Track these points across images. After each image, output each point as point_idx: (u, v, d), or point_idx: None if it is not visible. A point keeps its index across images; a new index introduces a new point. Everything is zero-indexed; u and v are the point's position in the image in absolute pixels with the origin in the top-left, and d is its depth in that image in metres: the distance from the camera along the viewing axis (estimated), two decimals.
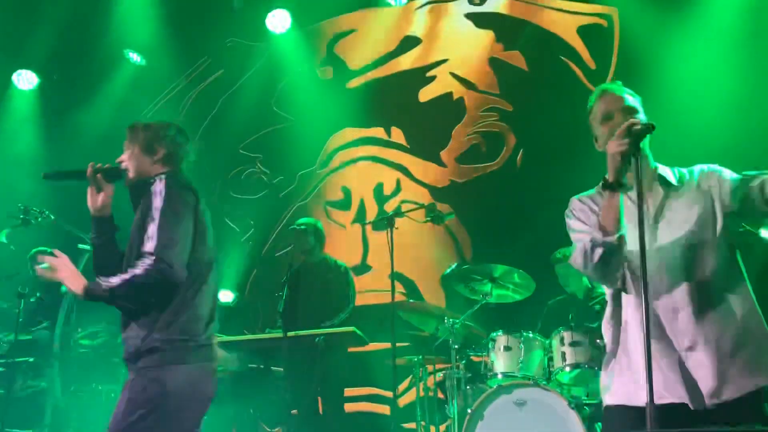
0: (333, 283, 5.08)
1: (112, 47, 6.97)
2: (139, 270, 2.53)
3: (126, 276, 2.55)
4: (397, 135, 6.78)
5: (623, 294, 2.33)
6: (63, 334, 4.73)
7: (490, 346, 4.35)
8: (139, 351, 2.60)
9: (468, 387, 4.42)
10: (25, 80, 6.77)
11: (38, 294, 4.92)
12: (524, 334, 4.29)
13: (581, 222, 2.40)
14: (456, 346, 4.43)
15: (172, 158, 2.86)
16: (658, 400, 1.97)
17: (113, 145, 6.91)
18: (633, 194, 2.24)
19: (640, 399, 2.01)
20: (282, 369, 4.75)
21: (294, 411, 4.64)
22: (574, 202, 2.47)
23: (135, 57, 7.03)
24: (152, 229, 2.58)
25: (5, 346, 4.87)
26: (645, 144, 2.30)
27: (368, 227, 6.49)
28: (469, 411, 4.02)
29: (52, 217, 4.59)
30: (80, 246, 4.75)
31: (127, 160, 2.85)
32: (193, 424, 2.71)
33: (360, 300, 5.33)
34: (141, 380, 2.58)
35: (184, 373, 2.60)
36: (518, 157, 6.26)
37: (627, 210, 2.24)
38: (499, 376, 4.24)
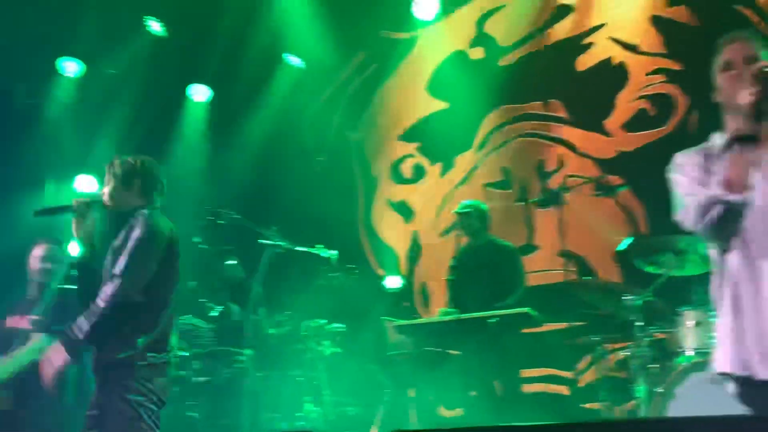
0: (501, 264, 5.02)
1: (272, 52, 7.35)
2: (101, 303, 2.95)
3: (93, 319, 2.95)
4: (556, 108, 6.56)
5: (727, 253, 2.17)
6: (253, 322, 5.09)
7: (677, 322, 4.10)
8: (114, 364, 2.97)
9: (654, 366, 4.20)
10: (200, 93, 7.33)
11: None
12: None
13: (691, 177, 2.25)
14: (639, 324, 4.21)
15: (148, 190, 3.23)
16: None
17: (278, 148, 7.35)
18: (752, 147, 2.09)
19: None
20: (458, 352, 4.79)
21: (473, 393, 4.66)
22: (680, 158, 2.35)
23: (295, 60, 7.36)
24: (125, 255, 3.00)
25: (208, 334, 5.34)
26: None
27: (531, 206, 6.35)
28: (658, 390, 3.82)
29: (238, 216, 4.94)
30: (260, 241, 5.08)
31: (106, 192, 3.22)
32: None
33: (529, 281, 5.23)
34: (117, 391, 2.94)
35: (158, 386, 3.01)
36: (691, 120, 5.82)
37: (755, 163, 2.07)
38: (690, 353, 3.98)
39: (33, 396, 3.95)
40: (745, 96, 2.07)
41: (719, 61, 2.29)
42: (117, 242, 3.10)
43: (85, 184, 6.45)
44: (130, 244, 3.03)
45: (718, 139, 2.30)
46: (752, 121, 2.09)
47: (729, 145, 2.17)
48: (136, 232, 3.04)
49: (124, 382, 2.95)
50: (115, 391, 2.95)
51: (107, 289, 2.97)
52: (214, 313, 5.63)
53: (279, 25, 7.11)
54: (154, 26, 6.88)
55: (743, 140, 2.11)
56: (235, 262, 5.82)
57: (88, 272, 3.22)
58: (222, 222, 4.82)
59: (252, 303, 4.94)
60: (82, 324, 2.98)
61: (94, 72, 7.00)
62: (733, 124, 2.17)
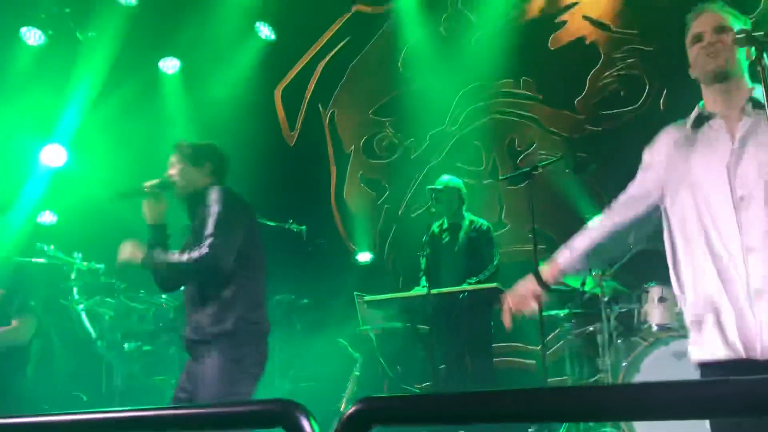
0: (476, 242, 5.06)
1: (243, 23, 7.21)
2: (195, 253, 2.94)
3: (179, 263, 2.99)
4: (528, 86, 6.59)
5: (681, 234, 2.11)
6: None
7: (643, 298, 4.19)
8: (212, 334, 2.96)
9: (620, 341, 4.30)
10: (170, 66, 7.18)
11: None
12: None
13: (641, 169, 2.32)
14: (605, 299, 4.30)
15: (218, 170, 3.27)
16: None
17: (248, 120, 7.22)
18: (717, 121, 2.09)
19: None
20: (427, 327, 4.83)
21: (442, 366, 4.71)
22: (658, 136, 2.34)
23: (266, 31, 7.24)
24: (210, 222, 2.98)
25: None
26: (744, 64, 2.09)
27: (502, 183, 6.38)
28: (624, 364, 3.91)
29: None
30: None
31: (176, 174, 3.23)
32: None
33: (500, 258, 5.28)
34: (219, 358, 2.93)
35: (254, 353, 3.00)
36: (662, 100, 5.90)
37: (708, 139, 2.09)
38: (655, 329, 4.08)
39: None
40: (713, 63, 2.06)
41: (689, 36, 2.20)
42: (196, 222, 3.09)
43: (51, 152, 6.28)
44: (213, 212, 3.01)
45: (693, 114, 2.23)
46: (724, 93, 2.08)
47: (696, 123, 2.14)
48: (216, 206, 3.03)
49: (226, 352, 2.94)
50: (216, 361, 2.94)
51: (195, 252, 2.95)
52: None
53: None
54: None
55: (708, 117, 2.11)
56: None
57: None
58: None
59: None
60: (180, 256, 3.00)
61: (60, 41, 6.79)
62: (710, 97, 2.14)
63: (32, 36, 6.62)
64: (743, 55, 2.09)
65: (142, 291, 5.41)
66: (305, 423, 1.07)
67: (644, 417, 0.89)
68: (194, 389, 2.98)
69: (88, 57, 6.68)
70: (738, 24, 2.13)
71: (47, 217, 6.50)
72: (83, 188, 6.19)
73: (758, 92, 2.03)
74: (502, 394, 0.98)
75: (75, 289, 5.11)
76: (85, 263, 5.10)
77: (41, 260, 4.88)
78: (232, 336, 2.95)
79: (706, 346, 2.03)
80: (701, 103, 2.17)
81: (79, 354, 5.17)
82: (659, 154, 2.25)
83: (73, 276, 5.08)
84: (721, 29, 2.11)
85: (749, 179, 1.97)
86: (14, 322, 3.91)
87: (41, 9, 6.56)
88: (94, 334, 5.06)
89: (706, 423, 2.20)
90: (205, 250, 2.91)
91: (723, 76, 2.08)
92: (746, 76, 2.12)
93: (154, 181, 3.23)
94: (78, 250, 5.30)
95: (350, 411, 1.06)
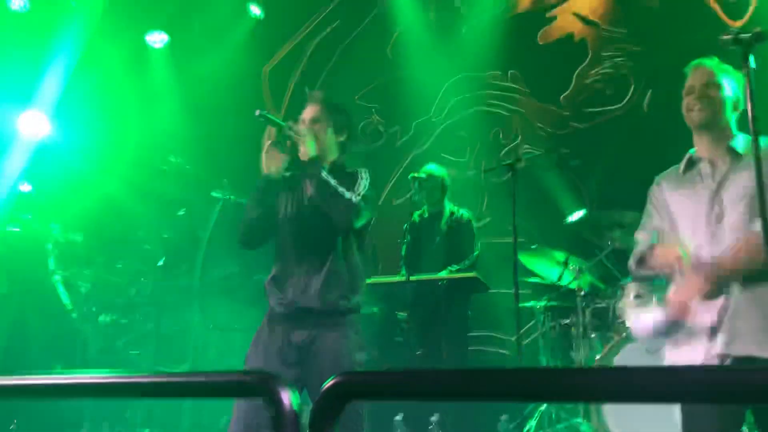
0: (457, 231, 5.09)
1: (234, 1, 7.16)
2: (355, 197, 2.78)
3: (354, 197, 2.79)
4: (516, 79, 6.62)
5: None
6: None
7: (618, 293, 4.26)
8: (342, 309, 2.81)
9: (594, 335, 4.37)
10: (158, 40, 7.11)
11: None
12: (655, 282, 4.14)
13: (648, 214, 2.63)
14: (582, 293, 4.37)
15: (348, 145, 3.04)
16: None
17: (234, 99, 7.15)
18: (703, 164, 2.42)
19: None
20: (405, 313, 4.87)
21: (418, 352, 4.76)
22: (656, 182, 2.63)
23: (255, 10, 7.20)
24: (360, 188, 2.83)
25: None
26: (729, 116, 2.40)
27: (485, 175, 6.40)
28: (597, 357, 3.98)
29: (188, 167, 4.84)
30: (213, 193, 5.03)
31: (319, 132, 2.91)
32: None
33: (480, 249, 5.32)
34: (349, 331, 2.81)
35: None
36: (646, 101, 5.97)
37: (693, 180, 2.43)
38: (629, 324, 4.14)
39: None
40: (700, 114, 2.37)
41: (685, 86, 2.48)
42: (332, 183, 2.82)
43: (32, 121, 6.19)
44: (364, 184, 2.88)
45: (686, 157, 2.53)
46: (709, 140, 2.40)
47: (687, 167, 2.46)
48: (365, 180, 2.89)
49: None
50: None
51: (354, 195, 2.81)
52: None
53: None
54: None
55: (697, 162, 2.43)
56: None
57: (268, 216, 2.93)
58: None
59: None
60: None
61: (44, 7, 6.69)
62: (698, 143, 2.46)
63: (16, 1, 6.52)
64: (730, 108, 2.40)
65: (119, 264, 5.40)
66: (284, 395, 1.09)
67: (620, 399, 0.93)
68: (310, 366, 2.72)
69: (72, 25, 6.59)
70: (729, 79, 2.42)
71: (24, 187, 6.43)
72: (64, 158, 6.13)
73: (737, 141, 2.39)
74: (478, 372, 1.01)
75: (51, 260, 5.08)
76: (62, 234, 5.07)
77: (16, 229, 4.84)
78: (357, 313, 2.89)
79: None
80: (692, 149, 2.49)
81: (55, 325, 5.15)
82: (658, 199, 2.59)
83: (49, 246, 5.04)
84: (711, 85, 2.40)
85: (725, 209, 2.32)
86: None
87: None
88: (69, 306, 5.04)
89: (676, 414, 2.27)
90: (358, 198, 2.78)
91: (708, 126, 2.40)
92: (732, 125, 2.42)
93: (297, 127, 2.89)
94: (57, 221, 5.27)
95: (328, 385, 1.08)
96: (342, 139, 2.99)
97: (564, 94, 6.33)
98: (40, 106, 6.27)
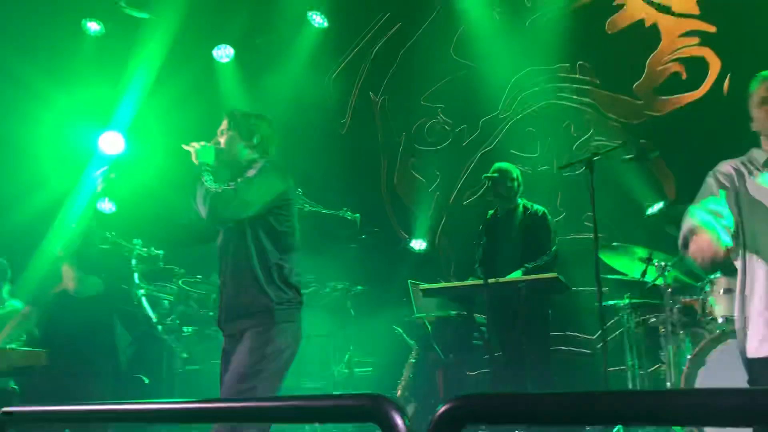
0: (533, 228, 4.97)
1: (296, 12, 7.24)
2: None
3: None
4: (585, 71, 6.44)
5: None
6: None
7: (707, 288, 4.08)
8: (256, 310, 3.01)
9: (682, 332, 4.20)
10: (224, 54, 7.26)
11: None
12: None
13: (702, 196, 2.55)
14: (669, 290, 4.20)
15: (264, 145, 3.27)
16: None
17: (301, 109, 7.23)
18: None
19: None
20: (484, 316, 4.80)
21: (497, 353, 4.69)
22: (716, 168, 2.60)
23: (318, 19, 7.26)
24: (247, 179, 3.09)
25: None
26: None
27: (558, 171, 6.26)
28: (689, 357, 3.81)
29: None
30: None
31: (223, 142, 3.25)
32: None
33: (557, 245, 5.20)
34: (260, 336, 2.95)
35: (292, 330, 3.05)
36: (725, 84, 5.70)
37: None
38: (720, 321, 3.96)
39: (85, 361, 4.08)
40: None
41: (756, 96, 2.54)
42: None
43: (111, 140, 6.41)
44: (250, 174, 3.13)
45: (755, 154, 2.57)
46: None
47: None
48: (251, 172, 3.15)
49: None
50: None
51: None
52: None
53: None
54: None
55: None
56: None
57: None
58: None
59: None
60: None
61: (118, 31, 6.93)
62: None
63: (92, 27, 6.79)
64: None
65: (199, 276, 5.51)
66: (398, 419, 1.06)
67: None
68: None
69: (144, 46, 6.81)
70: None
71: (106, 205, 6.66)
72: (140, 176, 6.32)
73: None
74: (605, 396, 0.96)
75: (136, 275, 5.24)
76: (144, 249, 5.21)
77: (104, 246, 5.01)
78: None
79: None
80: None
81: (141, 338, 5.31)
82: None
83: (133, 262, 5.20)
84: None
85: None
86: None
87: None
88: (154, 319, 5.19)
89: None
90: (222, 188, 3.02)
91: None
92: None
93: (197, 146, 3.21)
94: (136, 237, 5.43)
95: (442, 409, 1.04)
96: (253, 142, 3.24)
97: (636, 83, 6.12)
98: (117, 126, 6.50)
